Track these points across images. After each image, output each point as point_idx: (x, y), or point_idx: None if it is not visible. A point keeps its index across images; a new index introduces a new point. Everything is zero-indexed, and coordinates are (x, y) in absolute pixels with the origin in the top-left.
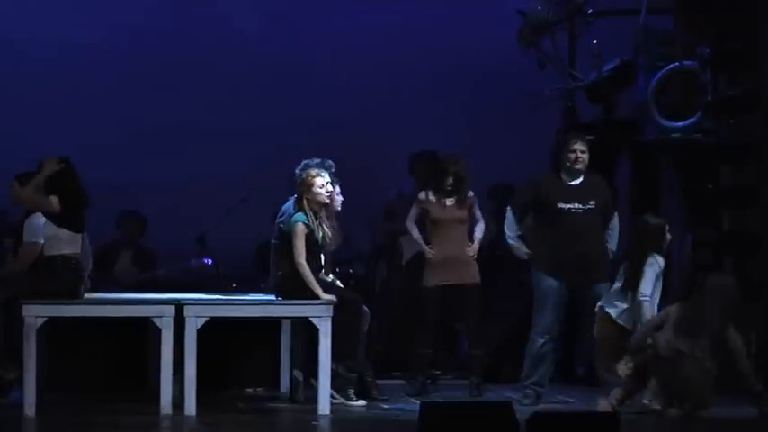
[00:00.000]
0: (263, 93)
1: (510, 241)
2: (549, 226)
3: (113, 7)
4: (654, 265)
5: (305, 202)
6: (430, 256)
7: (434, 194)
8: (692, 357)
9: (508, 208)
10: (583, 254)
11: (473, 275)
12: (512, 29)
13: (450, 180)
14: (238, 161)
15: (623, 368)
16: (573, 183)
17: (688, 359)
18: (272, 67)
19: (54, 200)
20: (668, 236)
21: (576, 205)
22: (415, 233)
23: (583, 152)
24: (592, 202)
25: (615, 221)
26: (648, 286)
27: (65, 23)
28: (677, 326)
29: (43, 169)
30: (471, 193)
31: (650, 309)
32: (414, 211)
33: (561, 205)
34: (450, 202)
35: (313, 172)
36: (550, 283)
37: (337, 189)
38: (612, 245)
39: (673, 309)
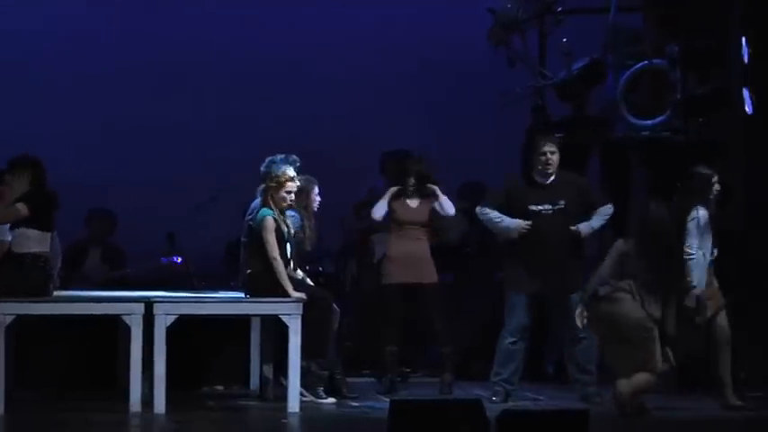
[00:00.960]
0: (232, 92)
1: (502, 224)
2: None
3: (86, 6)
4: (695, 219)
5: (270, 198)
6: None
7: (399, 194)
8: (632, 297)
9: (479, 208)
10: (554, 261)
11: (431, 275)
12: (482, 27)
13: (413, 180)
14: (208, 159)
15: (579, 318)
16: (543, 183)
17: (628, 298)
18: (241, 68)
19: (21, 207)
20: (716, 186)
21: (547, 206)
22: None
23: (552, 153)
24: (561, 202)
25: (608, 207)
26: (693, 240)
27: (36, 21)
28: (618, 263)
29: (13, 188)
30: (434, 187)
31: (699, 265)
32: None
33: (532, 207)
34: (413, 203)
35: (288, 173)
36: (522, 295)
37: (316, 190)
38: (595, 222)
39: (615, 246)
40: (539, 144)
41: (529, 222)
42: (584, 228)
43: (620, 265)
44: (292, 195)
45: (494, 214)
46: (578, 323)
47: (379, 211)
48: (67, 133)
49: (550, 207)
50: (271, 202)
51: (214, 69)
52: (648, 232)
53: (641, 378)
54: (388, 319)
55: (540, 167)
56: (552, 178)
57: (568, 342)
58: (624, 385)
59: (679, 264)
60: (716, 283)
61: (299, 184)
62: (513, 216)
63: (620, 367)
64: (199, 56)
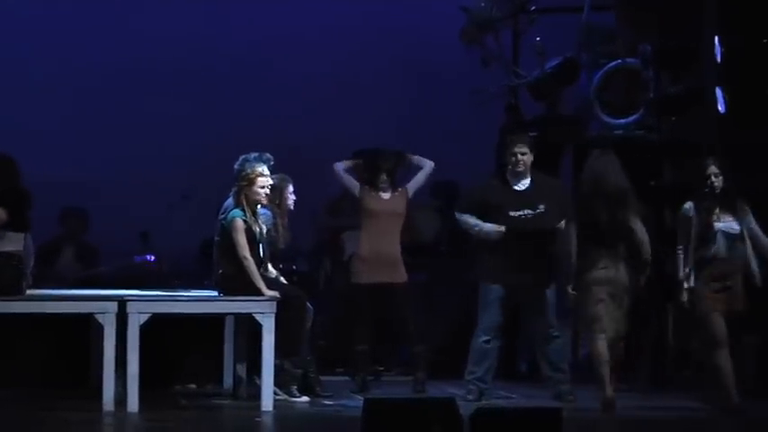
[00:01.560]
0: (206, 90)
1: (481, 230)
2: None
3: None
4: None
5: (243, 197)
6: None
7: (371, 187)
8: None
9: (457, 214)
10: (529, 260)
11: (401, 275)
12: (455, 26)
13: (384, 176)
14: (181, 157)
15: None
16: (520, 188)
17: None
18: (215, 65)
19: (1, 212)
20: (713, 178)
21: (527, 211)
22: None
23: (523, 154)
24: (541, 207)
25: (570, 230)
26: (678, 235)
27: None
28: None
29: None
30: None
31: (680, 259)
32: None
33: (512, 213)
34: (385, 195)
35: (258, 169)
36: (496, 288)
37: (290, 188)
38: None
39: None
40: (510, 144)
41: (503, 228)
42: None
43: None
44: (266, 190)
45: (472, 221)
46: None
47: (339, 165)
48: (40, 131)
49: (531, 212)
50: (243, 202)
51: (187, 67)
52: (589, 180)
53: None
54: (358, 319)
55: (510, 167)
56: (529, 182)
57: (541, 340)
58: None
59: (622, 231)
60: (736, 287)
61: (271, 181)
62: (490, 220)
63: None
64: (171, 54)
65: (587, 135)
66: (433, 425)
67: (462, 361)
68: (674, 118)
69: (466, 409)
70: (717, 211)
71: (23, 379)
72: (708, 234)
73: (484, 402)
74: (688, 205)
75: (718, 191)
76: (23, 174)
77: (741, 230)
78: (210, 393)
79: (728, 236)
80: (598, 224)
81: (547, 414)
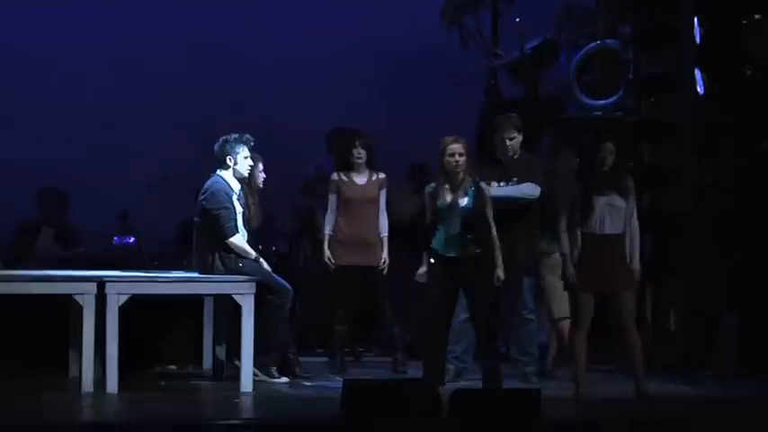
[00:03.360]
0: (184, 69)
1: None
2: None
3: None
4: None
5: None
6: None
7: (345, 174)
8: None
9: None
10: (505, 239)
11: (378, 257)
12: (435, 6)
13: (359, 151)
14: (160, 138)
15: None
16: (507, 160)
17: None
18: (193, 44)
19: None
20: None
21: (501, 184)
22: (327, 228)
23: (512, 139)
24: (514, 179)
25: (528, 186)
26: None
27: None
28: None
29: None
30: (383, 175)
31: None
32: (331, 198)
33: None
34: (360, 180)
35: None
36: None
37: (260, 166)
38: (503, 190)
39: None
40: (498, 130)
41: None
42: (492, 189)
43: None
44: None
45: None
46: None
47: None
48: (17, 113)
49: (504, 185)
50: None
51: (167, 49)
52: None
53: None
54: (336, 300)
55: (499, 153)
56: (514, 158)
57: (516, 322)
58: None
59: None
60: (623, 262)
61: (252, 163)
62: None
63: None
64: (151, 37)
65: (566, 116)
66: (412, 406)
67: None
68: (652, 99)
69: (444, 389)
70: (602, 186)
71: (1, 360)
72: (590, 211)
73: (462, 382)
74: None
75: (607, 168)
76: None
77: (626, 209)
78: (190, 375)
79: (611, 213)
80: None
81: (527, 395)
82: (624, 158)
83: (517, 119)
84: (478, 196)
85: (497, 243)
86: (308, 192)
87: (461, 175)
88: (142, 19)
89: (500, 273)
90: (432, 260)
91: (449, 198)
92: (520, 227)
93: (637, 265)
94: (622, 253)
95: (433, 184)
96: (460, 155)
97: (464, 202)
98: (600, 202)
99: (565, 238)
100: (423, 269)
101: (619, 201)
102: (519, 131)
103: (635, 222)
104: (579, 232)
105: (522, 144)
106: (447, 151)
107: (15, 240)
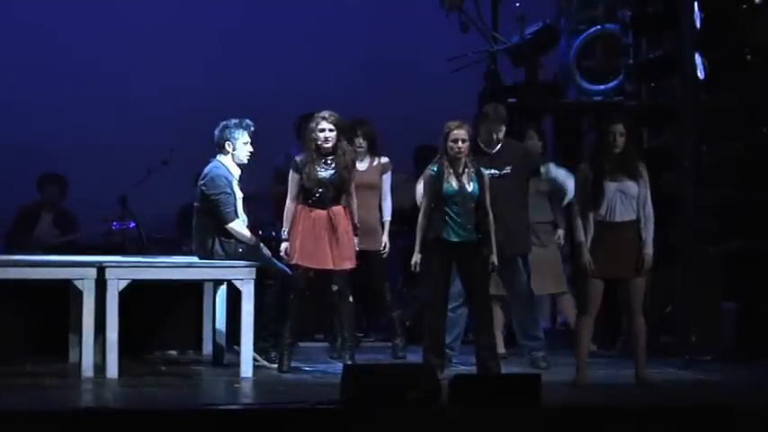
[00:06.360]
0: (180, 54)
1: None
2: None
3: None
4: None
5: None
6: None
7: None
8: None
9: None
10: (500, 222)
11: (378, 242)
12: None
13: (361, 140)
14: (159, 122)
15: None
16: (489, 152)
17: None
18: (185, 30)
19: None
20: None
21: (493, 171)
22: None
23: (499, 131)
24: (508, 168)
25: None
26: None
27: None
28: None
29: None
30: (386, 159)
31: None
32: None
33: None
34: (362, 166)
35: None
36: None
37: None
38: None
39: None
40: (486, 122)
41: None
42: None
43: None
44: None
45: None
46: None
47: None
48: (18, 98)
49: (497, 172)
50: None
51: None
52: None
53: None
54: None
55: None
56: (499, 146)
57: (517, 307)
58: None
59: None
60: (636, 249)
61: (251, 149)
62: None
63: None
64: (149, 17)
65: (567, 101)
66: (411, 391)
67: None
68: (652, 83)
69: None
70: (613, 171)
71: (1, 346)
72: (600, 197)
73: (455, 369)
74: (584, 165)
75: (618, 150)
76: (2, 139)
77: (638, 194)
78: (190, 360)
79: (622, 199)
80: None
81: (526, 380)
82: (633, 141)
83: (504, 111)
84: (481, 182)
85: (493, 229)
86: (280, 180)
87: (464, 160)
88: (137, 8)
89: (494, 259)
90: (427, 245)
91: (455, 183)
92: (520, 211)
93: (650, 251)
94: (635, 239)
95: (434, 167)
96: (463, 141)
97: (470, 187)
98: (611, 187)
99: (579, 225)
100: (417, 256)
101: (630, 186)
102: (505, 124)
103: (649, 209)
104: (592, 219)
105: (523, 130)
106: (450, 137)
107: (14, 225)
